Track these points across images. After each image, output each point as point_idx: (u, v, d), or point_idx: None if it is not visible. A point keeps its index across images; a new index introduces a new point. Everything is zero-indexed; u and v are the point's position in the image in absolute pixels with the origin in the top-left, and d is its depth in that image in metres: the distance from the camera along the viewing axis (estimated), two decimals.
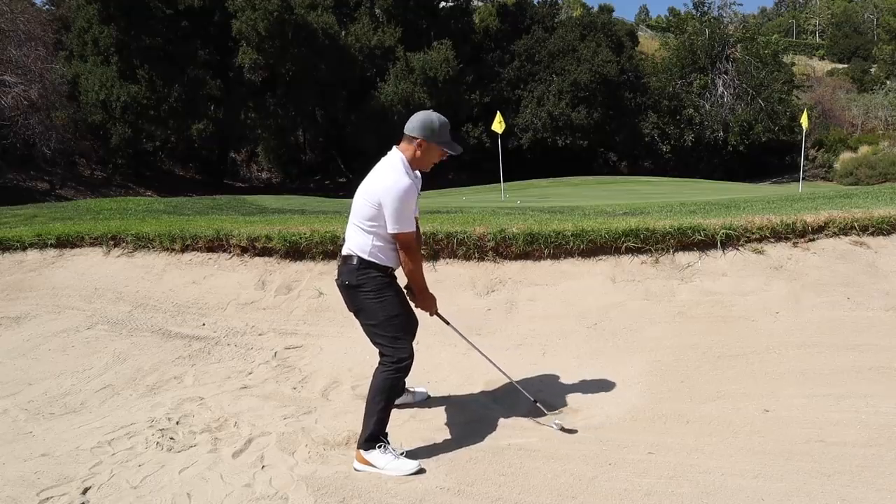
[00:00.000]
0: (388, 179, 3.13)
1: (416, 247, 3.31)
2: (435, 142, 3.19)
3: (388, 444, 3.19)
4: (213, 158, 35.32)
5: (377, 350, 3.34)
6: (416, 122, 3.20)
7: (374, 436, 3.17)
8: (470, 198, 18.88)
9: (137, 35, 29.10)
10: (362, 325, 3.34)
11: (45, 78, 26.66)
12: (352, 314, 3.42)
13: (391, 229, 3.15)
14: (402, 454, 3.19)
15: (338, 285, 3.40)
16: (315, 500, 2.91)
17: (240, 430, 3.61)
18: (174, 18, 30.42)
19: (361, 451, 3.17)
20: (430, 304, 3.43)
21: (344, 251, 3.34)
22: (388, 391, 3.22)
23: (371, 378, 3.28)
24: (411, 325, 3.38)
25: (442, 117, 3.23)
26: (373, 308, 3.24)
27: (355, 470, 3.16)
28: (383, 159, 3.27)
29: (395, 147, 3.27)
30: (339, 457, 3.29)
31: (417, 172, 3.30)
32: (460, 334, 3.64)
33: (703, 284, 4.79)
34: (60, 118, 27.99)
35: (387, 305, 3.25)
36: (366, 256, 3.22)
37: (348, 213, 3.41)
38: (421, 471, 3.11)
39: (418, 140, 3.17)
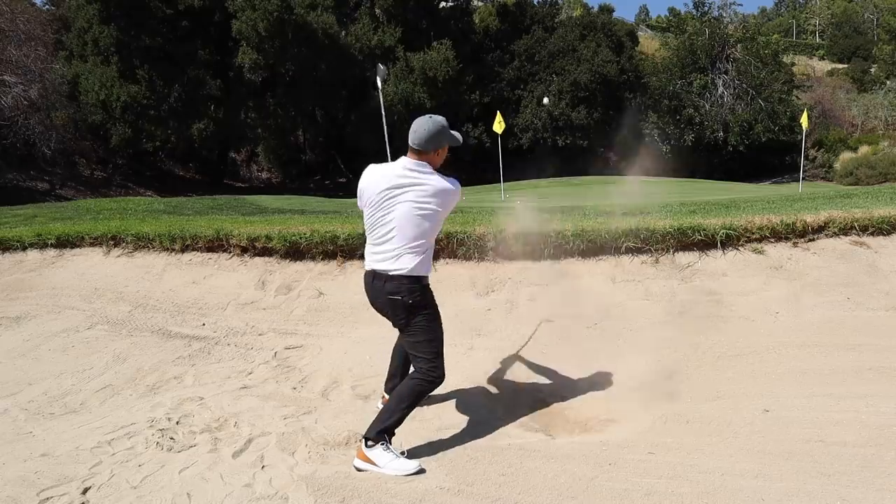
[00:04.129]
0: (451, 189, 3.24)
1: None
2: (448, 143, 3.28)
3: (391, 444, 3.21)
4: (213, 158, 35.30)
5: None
6: (426, 136, 3.18)
7: (383, 432, 3.19)
8: (470, 198, 18.87)
9: (137, 35, 29.07)
10: (407, 340, 3.36)
11: (45, 78, 26.65)
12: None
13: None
14: (402, 453, 3.20)
15: (384, 300, 3.28)
16: (315, 500, 2.90)
17: (240, 430, 3.61)
18: (174, 18, 30.39)
19: (364, 449, 3.18)
20: None
21: (394, 271, 3.22)
22: (416, 397, 3.30)
23: (398, 385, 3.37)
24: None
25: (439, 117, 3.28)
26: (426, 327, 3.30)
27: (356, 468, 3.16)
28: (409, 172, 3.19)
29: (416, 160, 3.21)
30: (339, 457, 3.29)
31: None
32: None
33: (703, 284, 4.79)
34: (60, 118, 27.96)
35: (437, 326, 3.34)
36: (423, 273, 3.27)
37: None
38: (421, 471, 3.12)
39: (435, 150, 3.23)
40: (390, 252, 3.22)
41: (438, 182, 3.21)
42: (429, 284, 3.37)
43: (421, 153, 3.22)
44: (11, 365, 4.88)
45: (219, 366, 4.63)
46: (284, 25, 29.33)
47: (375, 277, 3.29)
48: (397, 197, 3.19)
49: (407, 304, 3.24)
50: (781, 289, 4.64)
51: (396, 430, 3.26)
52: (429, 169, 3.23)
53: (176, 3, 30.02)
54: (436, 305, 3.38)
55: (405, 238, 3.19)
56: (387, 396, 3.79)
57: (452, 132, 3.30)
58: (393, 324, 3.40)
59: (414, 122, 3.25)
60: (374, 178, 3.26)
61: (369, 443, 3.17)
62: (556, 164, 33.89)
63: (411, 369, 3.49)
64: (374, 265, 3.29)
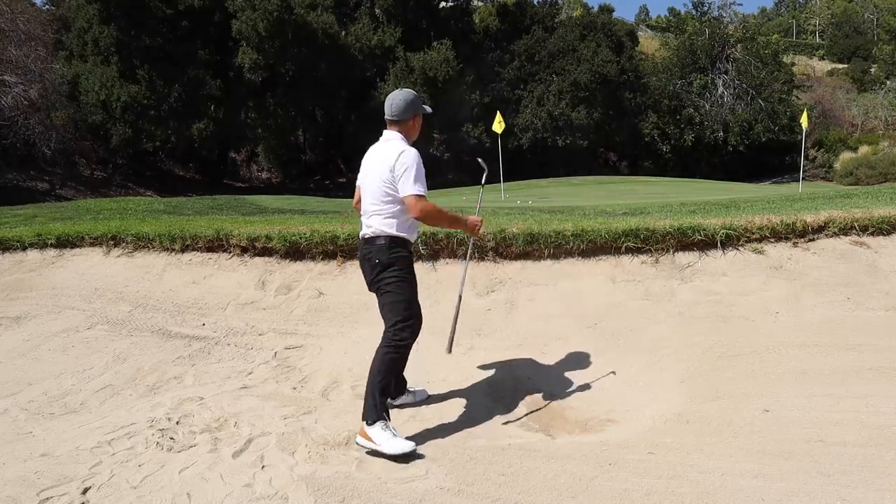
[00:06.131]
0: (400, 147, 3.37)
1: (430, 208, 3.41)
2: (422, 112, 3.50)
3: (388, 420, 3.31)
4: (213, 158, 35.29)
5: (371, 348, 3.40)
6: (403, 105, 3.45)
7: (377, 411, 3.28)
8: (470, 198, 18.87)
9: (137, 35, 29.07)
10: (380, 301, 3.48)
11: (45, 78, 26.64)
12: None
13: (411, 191, 3.31)
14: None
15: (362, 263, 3.54)
16: (315, 500, 2.90)
17: (240, 430, 3.61)
18: (174, 18, 30.39)
19: (365, 426, 3.28)
20: (475, 225, 3.62)
21: (367, 234, 3.47)
22: (389, 365, 3.38)
23: (371, 363, 3.42)
24: (419, 309, 3.54)
25: (414, 92, 3.54)
26: (394, 289, 3.40)
27: (357, 444, 3.30)
28: (382, 142, 3.49)
29: (391, 130, 3.48)
30: (339, 457, 3.29)
31: None
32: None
33: (703, 284, 4.79)
34: (60, 118, 27.96)
35: (406, 288, 3.42)
36: (395, 232, 3.39)
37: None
38: (415, 452, 3.21)
39: (412, 118, 3.46)
40: (366, 217, 3.48)
41: (395, 145, 3.40)
42: (405, 249, 3.45)
43: (398, 123, 3.46)
44: (11, 365, 4.88)
45: (219, 366, 4.63)
46: (284, 25, 29.32)
47: (360, 244, 3.54)
48: (368, 165, 3.49)
49: (374, 262, 3.42)
50: (781, 289, 4.64)
51: (400, 413, 3.39)
52: (397, 136, 3.45)
53: (176, 3, 30.02)
54: (409, 269, 3.46)
55: (372, 201, 3.43)
56: (391, 402, 3.81)
57: (425, 108, 3.54)
58: (369, 287, 3.53)
59: (388, 97, 3.50)
60: (367, 156, 3.56)
61: (369, 421, 3.28)
62: (556, 164, 33.92)
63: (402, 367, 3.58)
64: (360, 233, 3.54)
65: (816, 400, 3.56)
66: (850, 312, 4.39)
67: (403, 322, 3.39)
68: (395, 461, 3.19)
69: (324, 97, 32.19)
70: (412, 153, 3.35)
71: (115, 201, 13.43)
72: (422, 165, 3.36)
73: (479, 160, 4.05)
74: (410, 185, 3.32)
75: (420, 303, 3.74)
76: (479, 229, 3.67)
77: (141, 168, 33.19)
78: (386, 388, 3.37)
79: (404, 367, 3.77)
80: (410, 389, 3.88)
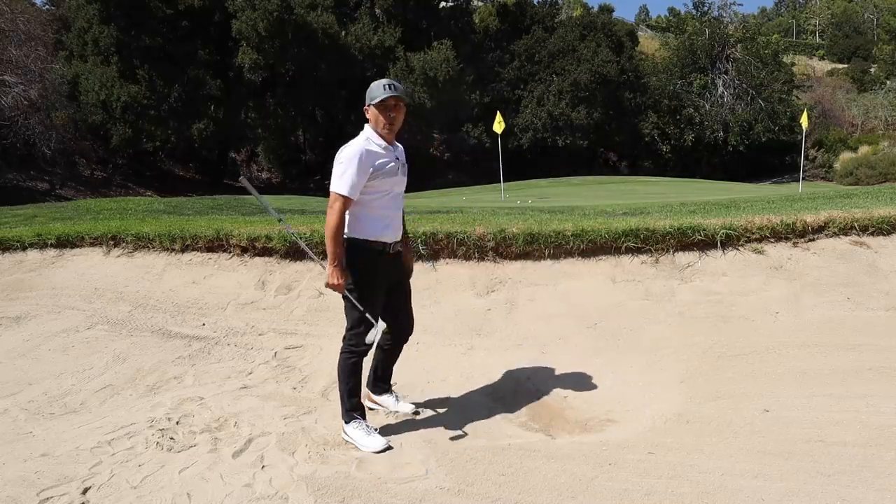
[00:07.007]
0: (350, 142, 3.37)
1: (334, 217, 3.22)
2: (370, 103, 3.37)
3: (362, 419, 3.42)
4: (213, 158, 35.27)
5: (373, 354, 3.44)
6: (367, 93, 3.40)
7: (349, 412, 3.43)
8: (470, 198, 18.88)
9: (137, 35, 29.08)
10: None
11: (45, 78, 26.64)
12: None
13: (332, 187, 3.26)
14: (376, 430, 3.42)
15: None
16: (315, 500, 2.90)
17: (240, 430, 3.61)
18: (174, 18, 30.39)
19: (343, 425, 3.44)
20: (334, 275, 3.22)
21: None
22: (350, 369, 3.45)
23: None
24: (381, 314, 3.50)
25: (378, 81, 3.41)
26: (350, 294, 3.36)
27: (344, 440, 3.42)
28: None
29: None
30: (339, 457, 3.29)
31: (399, 145, 3.49)
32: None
33: (703, 284, 4.79)
34: (60, 118, 27.96)
35: (361, 294, 3.36)
36: (352, 235, 3.35)
37: None
38: (388, 448, 3.29)
39: (372, 104, 3.37)
40: None
41: (352, 140, 3.37)
42: (365, 252, 3.32)
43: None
44: (11, 365, 4.88)
45: (219, 366, 4.63)
46: (284, 25, 29.33)
47: None
48: None
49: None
50: (781, 289, 4.64)
51: (388, 422, 3.39)
52: (365, 128, 3.40)
53: (176, 3, 30.02)
54: (365, 273, 3.33)
55: None
56: (371, 395, 3.84)
57: (377, 97, 3.32)
58: None
59: None
60: None
61: (344, 420, 3.43)
62: (556, 164, 33.92)
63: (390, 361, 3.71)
64: None
65: (816, 400, 3.56)
66: (850, 312, 4.39)
67: (356, 328, 3.42)
68: (390, 461, 3.19)
69: (324, 97, 32.20)
70: (352, 149, 3.27)
71: (115, 201, 13.43)
72: (361, 164, 3.21)
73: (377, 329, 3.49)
74: (334, 180, 3.24)
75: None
76: (330, 283, 3.25)
77: (141, 168, 33.17)
78: (353, 388, 3.45)
79: (392, 362, 3.78)
80: (396, 396, 3.81)
